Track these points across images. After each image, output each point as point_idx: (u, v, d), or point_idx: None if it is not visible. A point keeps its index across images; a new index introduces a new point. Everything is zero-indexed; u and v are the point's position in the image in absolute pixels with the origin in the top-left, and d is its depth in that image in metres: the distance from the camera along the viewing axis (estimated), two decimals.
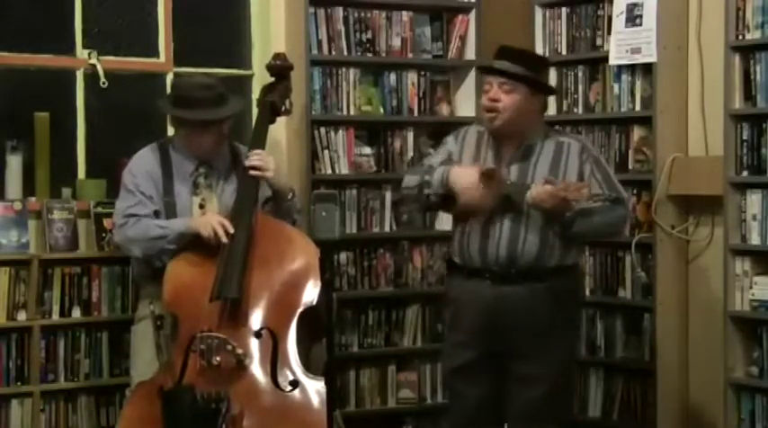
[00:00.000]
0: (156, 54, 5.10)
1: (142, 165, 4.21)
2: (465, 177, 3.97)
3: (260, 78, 5.12)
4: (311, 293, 3.93)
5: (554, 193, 3.85)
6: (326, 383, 3.58)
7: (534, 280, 3.99)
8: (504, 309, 4.00)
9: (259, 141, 4.30)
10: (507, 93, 4.02)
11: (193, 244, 4.04)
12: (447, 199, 4.05)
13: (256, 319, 3.90)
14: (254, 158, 4.15)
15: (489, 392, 4.10)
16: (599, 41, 5.16)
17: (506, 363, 4.07)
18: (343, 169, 5.16)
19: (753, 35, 4.55)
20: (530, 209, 3.95)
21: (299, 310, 3.91)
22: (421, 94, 5.35)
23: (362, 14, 5.21)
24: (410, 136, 5.32)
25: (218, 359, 3.77)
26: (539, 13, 5.38)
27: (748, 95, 4.58)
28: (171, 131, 4.91)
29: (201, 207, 4.20)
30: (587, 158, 4.06)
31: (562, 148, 4.07)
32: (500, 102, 4.02)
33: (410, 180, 4.16)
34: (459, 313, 4.15)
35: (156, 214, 4.14)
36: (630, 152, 5.01)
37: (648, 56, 4.88)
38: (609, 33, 5.05)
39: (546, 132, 4.13)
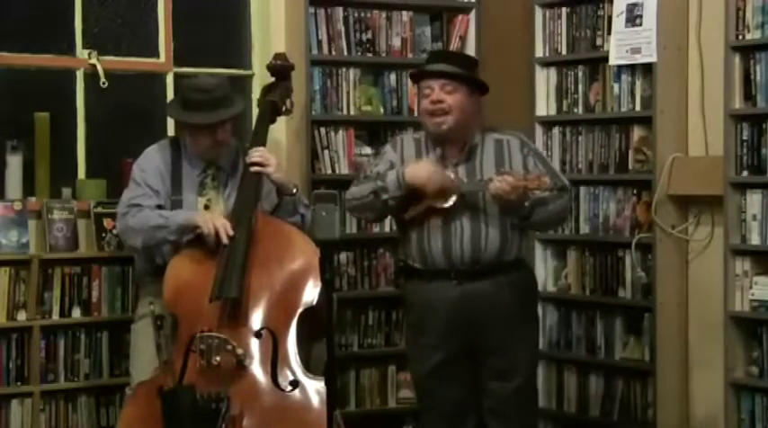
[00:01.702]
0: (156, 54, 5.10)
1: (152, 161, 4.22)
2: (421, 168, 4.05)
3: (260, 78, 5.13)
4: (311, 293, 3.94)
5: (515, 184, 3.90)
6: (326, 383, 3.57)
7: (497, 275, 4.08)
8: (471, 306, 4.07)
9: (259, 141, 4.31)
10: (450, 93, 4.10)
11: (194, 243, 4.05)
12: (406, 201, 4.08)
13: (256, 319, 3.91)
14: (255, 154, 4.16)
15: (464, 392, 4.17)
16: (599, 41, 5.16)
17: (480, 360, 4.13)
18: (343, 169, 5.16)
19: (753, 35, 4.54)
20: (487, 205, 4.03)
21: (299, 310, 3.91)
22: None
23: (362, 14, 5.21)
24: None
25: (218, 359, 3.78)
26: (539, 13, 5.38)
27: (748, 95, 4.57)
28: (171, 131, 4.93)
29: (207, 207, 4.21)
30: (528, 152, 4.17)
31: (502, 145, 4.16)
32: (445, 102, 4.07)
33: (360, 189, 4.15)
34: (424, 317, 4.17)
35: (160, 208, 4.15)
36: (630, 152, 5.01)
37: (648, 56, 4.88)
38: (609, 33, 5.04)
39: (483, 131, 4.20)
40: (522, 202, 3.99)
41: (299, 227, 4.21)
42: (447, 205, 4.05)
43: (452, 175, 4.08)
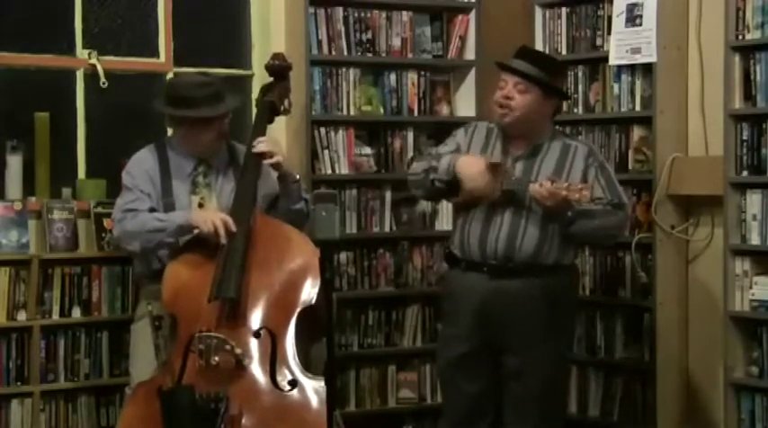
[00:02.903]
0: (156, 54, 5.10)
1: (140, 166, 4.21)
2: (471, 165, 4.06)
3: (260, 78, 5.12)
4: (310, 292, 3.93)
5: (554, 192, 3.90)
6: (326, 383, 3.57)
7: (531, 276, 4.06)
8: (499, 303, 4.07)
9: None
10: (521, 93, 4.10)
11: (192, 244, 4.05)
12: (452, 187, 4.12)
13: (255, 319, 3.90)
14: (261, 144, 4.16)
15: (485, 386, 4.17)
16: (599, 41, 5.16)
17: (499, 358, 4.13)
18: (343, 169, 5.16)
19: (753, 35, 4.54)
20: (531, 204, 4.02)
21: (298, 310, 3.91)
22: (421, 94, 5.35)
23: (362, 14, 5.21)
24: (410, 136, 5.32)
25: (216, 359, 3.77)
26: (539, 13, 5.38)
27: (748, 95, 4.57)
28: (170, 132, 4.92)
29: (201, 206, 4.20)
30: (593, 162, 4.14)
31: (569, 150, 4.15)
32: (513, 100, 4.09)
33: (417, 166, 4.29)
34: (455, 306, 4.21)
35: (153, 211, 4.14)
36: (630, 152, 5.01)
37: (648, 56, 4.88)
38: (609, 33, 5.05)
39: (554, 134, 4.21)
40: (564, 211, 3.97)
41: (303, 214, 4.22)
42: (491, 198, 4.06)
43: (510, 168, 4.09)
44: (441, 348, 4.33)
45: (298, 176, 4.27)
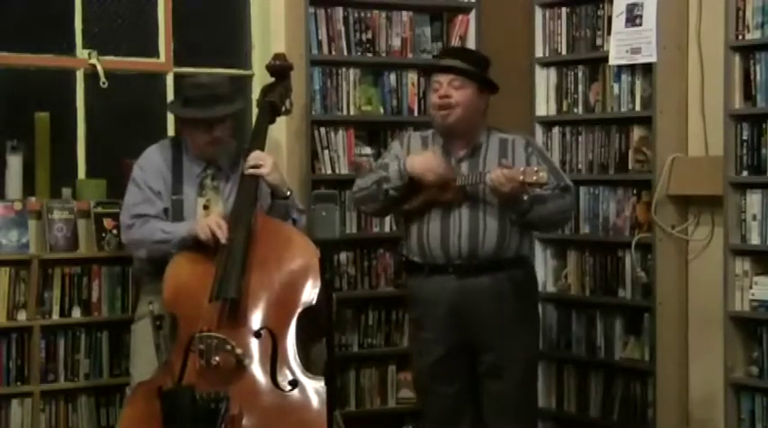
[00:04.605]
0: (156, 54, 5.10)
1: (152, 161, 4.22)
2: (423, 158, 4.11)
3: (260, 78, 5.13)
4: (310, 293, 3.94)
5: (511, 176, 3.93)
6: (326, 383, 3.57)
7: (496, 271, 4.10)
8: (470, 301, 4.10)
9: (258, 141, 4.31)
10: (458, 89, 4.14)
11: (194, 244, 4.05)
12: (406, 191, 4.12)
13: (256, 319, 3.91)
14: (251, 158, 4.16)
15: (463, 387, 4.20)
16: (599, 41, 5.16)
17: (475, 356, 4.16)
18: (343, 169, 5.16)
19: (753, 35, 4.54)
20: (487, 198, 4.06)
21: (299, 310, 3.91)
22: (421, 94, 5.34)
23: (362, 14, 5.21)
24: None
25: (217, 359, 3.77)
26: (539, 13, 5.38)
27: (748, 95, 4.57)
28: (171, 131, 4.94)
29: (206, 207, 4.21)
30: (532, 151, 4.20)
31: (507, 144, 4.21)
32: (452, 97, 4.13)
33: (364, 181, 4.26)
34: (424, 311, 4.22)
35: (165, 211, 4.15)
36: (630, 152, 5.01)
37: (648, 56, 4.88)
38: (609, 33, 5.05)
39: (489, 131, 4.24)
40: (520, 197, 4.00)
41: None
42: (446, 198, 4.08)
43: (456, 169, 4.12)
44: (418, 354, 4.32)
45: (288, 193, 4.24)
